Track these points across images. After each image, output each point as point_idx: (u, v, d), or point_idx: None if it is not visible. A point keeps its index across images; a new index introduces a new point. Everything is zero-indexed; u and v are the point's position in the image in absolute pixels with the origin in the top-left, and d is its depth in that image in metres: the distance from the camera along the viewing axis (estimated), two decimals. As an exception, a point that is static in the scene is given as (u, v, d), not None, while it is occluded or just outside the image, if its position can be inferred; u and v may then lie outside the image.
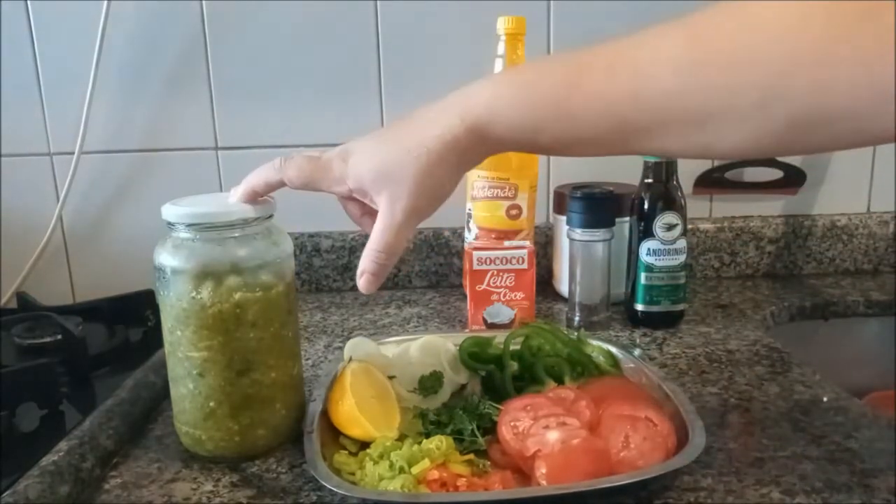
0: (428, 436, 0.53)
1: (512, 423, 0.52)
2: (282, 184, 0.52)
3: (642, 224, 0.76)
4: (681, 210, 0.75)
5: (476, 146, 0.46)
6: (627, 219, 0.79)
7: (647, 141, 0.42)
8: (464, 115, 0.45)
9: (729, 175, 0.95)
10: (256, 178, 0.52)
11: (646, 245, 0.76)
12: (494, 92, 0.45)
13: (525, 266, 0.74)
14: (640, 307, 0.78)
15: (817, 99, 0.36)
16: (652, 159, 0.75)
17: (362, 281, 0.51)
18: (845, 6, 0.34)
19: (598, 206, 0.75)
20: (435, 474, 0.48)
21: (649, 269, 0.76)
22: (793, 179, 0.95)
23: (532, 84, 0.44)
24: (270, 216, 0.54)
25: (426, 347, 0.63)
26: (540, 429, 0.50)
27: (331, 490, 0.46)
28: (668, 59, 0.40)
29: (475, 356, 0.63)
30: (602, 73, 0.41)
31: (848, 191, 0.97)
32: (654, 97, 0.40)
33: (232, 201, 0.52)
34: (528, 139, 0.45)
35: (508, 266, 0.74)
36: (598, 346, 0.65)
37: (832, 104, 0.35)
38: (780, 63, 0.36)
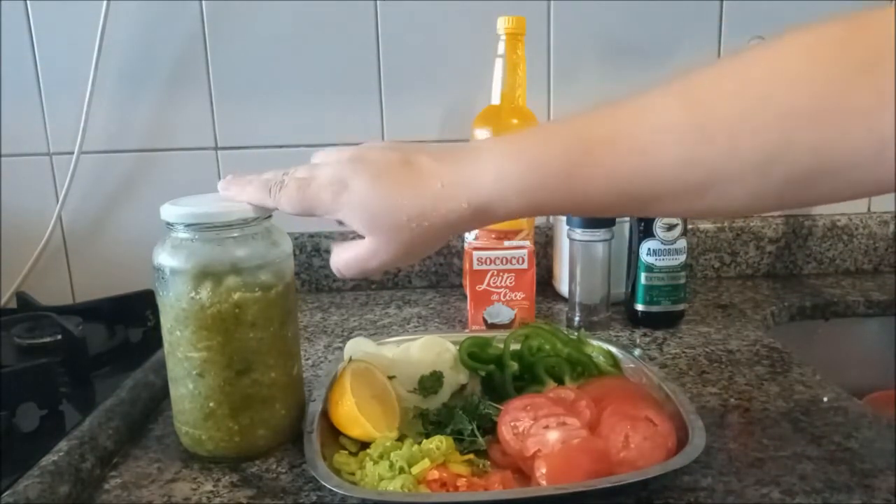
0: (428, 436, 0.53)
1: (512, 423, 0.52)
2: (274, 209, 0.51)
3: (642, 224, 0.76)
4: (681, 210, 0.75)
5: (479, 222, 0.47)
6: (627, 219, 0.79)
7: (650, 208, 0.42)
8: (471, 199, 0.45)
9: (729, 175, 0.95)
10: (250, 197, 0.51)
11: (646, 245, 0.76)
12: (498, 174, 0.44)
13: (525, 266, 0.74)
14: (640, 307, 0.78)
15: (817, 155, 0.36)
16: (652, 159, 0.75)
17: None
18: (842, 59, 0.35)
19: (598, 206, 0.75)
20: (435, 474, 0.48)
21: (649, 269, 0.76)
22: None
23: (536, 164, 0.43)
24: (270, 216, 0.54)
25: (426, 347, 0.63)
26: (540, 429, 0.50)
27: (331, 490, 0.46)
28: (668, 129, 0.39)
29: (475, 356, 0.63)
30: (605, 150, 0.41)
31: (848, 191, 0.97)
32: (657, 171, 0.40)
33: (222, 192, 0.52)
34: (533, 213, 0.46)
35: (508, 266, 0.74)
36: (598, 346, 0.65)
37: (832, 159, 0.35)
38: (779, 124, 0.36)
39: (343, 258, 0.49)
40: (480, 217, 0.45)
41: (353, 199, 0.46)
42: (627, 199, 0.42)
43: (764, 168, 0.37)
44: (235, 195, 0.52)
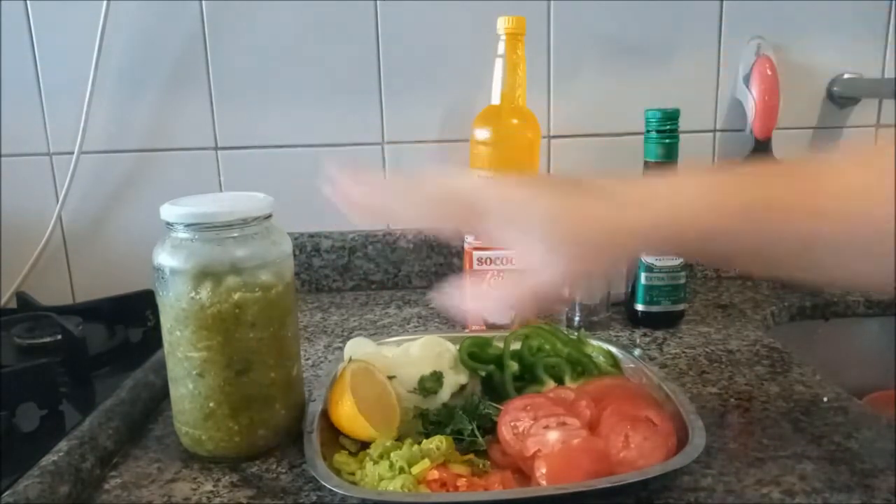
0: (428, 436, 0.53)
1: (512, 423, 0.52)
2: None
3: (642, 224, 0.76)
4: (681, 210, 0.75)
5: (651, 242, 0.46)
6: (627, 219, 0.79)
7: (823, 266, 0.42)
8: (656, 215, 0.44)
9: (729, 175, 0.95)
10: (385, 207, 0.50)
11: (646, 245, 0.76)
12: (676, 203, 0.43)
13: (525, 266, 0.74)
14: (640, 307, 0.78)
15: None
16: (652, 159, 0.75)
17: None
18: None
19: (598, 206, 0.75)
20: (435, 474, 0.48)
21: (649, 268, 0.76)
22: (793, 179, 0.95)
23: (715, 206, 0.42)
24: (269, 216, 0.54)
25: (426, 347, 0.63)
26: (540, 429, 0.50)
27: (331, 490, 0.46)
28: (856, 194, 0.39)
29: (475, 356, 0.63)
30: (785, 213, 0.41)
31: (848, 191, 0.97)
32: (840, 236, 0.39)
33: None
34: (700, 251, 0.47)
35: (508, 266, 0.74)
36: (598, 346, 0.65)
37: None
38: None
39: (523, 290, 0.47)
40: (653, 236, 0.44)
41: (538, 211, 0.45)
42: (800, 260, 0.42)
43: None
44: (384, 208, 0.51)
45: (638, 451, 0.49)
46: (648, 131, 0.75)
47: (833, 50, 0.92)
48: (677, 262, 0.76)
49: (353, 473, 0.50)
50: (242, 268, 0.51)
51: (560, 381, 0.60)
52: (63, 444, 0.52)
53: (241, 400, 0.52)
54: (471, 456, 0.52)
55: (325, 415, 0.55)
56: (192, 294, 0.50)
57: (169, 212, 0.51)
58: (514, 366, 0.61)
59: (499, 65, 0.82)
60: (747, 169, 0.44)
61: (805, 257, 0.41)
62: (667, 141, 0.74)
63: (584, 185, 0.46)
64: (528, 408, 0.52)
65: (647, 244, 0.45)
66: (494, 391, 0.60)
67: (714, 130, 0.95)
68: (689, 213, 0.43)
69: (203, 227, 0.51)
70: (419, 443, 0.51)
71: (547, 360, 0.61)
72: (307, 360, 0.72)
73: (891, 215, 0.37)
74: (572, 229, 0.44)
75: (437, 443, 0.51)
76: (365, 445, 0.53)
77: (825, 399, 0.61)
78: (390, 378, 0.59)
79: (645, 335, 0.77)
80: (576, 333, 0.67)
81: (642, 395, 0.56)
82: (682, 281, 0.77)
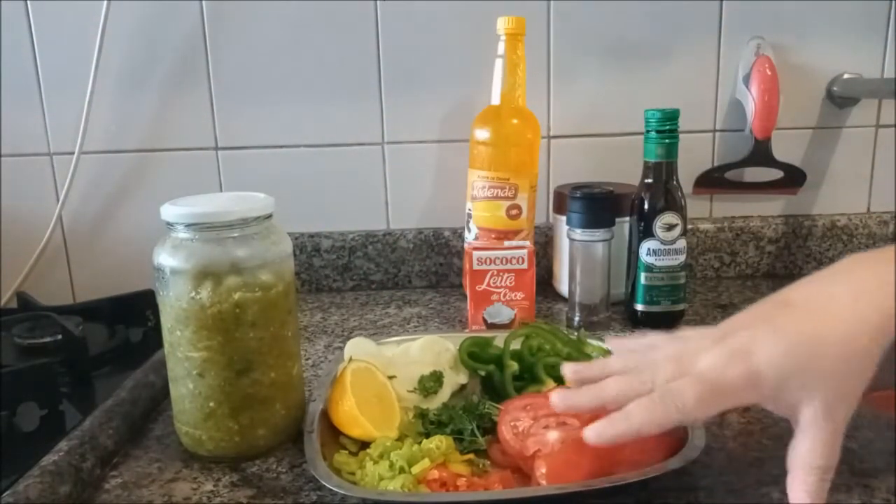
0: (428, 436, 0.53)
1: (512, 423, 0.52)
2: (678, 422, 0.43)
3: (642, 224, 0.76)
4: (681, 210, 0.75)
5: (884, 335, 0.42)
6: (627, 219, 0.79)
7: None
8: (879, 310, 0.41)
9: (729, 175, 0.95)
10: (654, 419, 0.42)
11: (646, 245, 0.76)
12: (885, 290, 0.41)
13: (525, 266, 0.74)
14: (640, 307, 0.78)
15: None
16: (652, 159, 0.75)
17: None
18: None
19: (598, 206, 0.75)
20: (435, 474, 0.48)
21: (649, 269, 0.76)
22: (793, 179, 0.95)
23: None
24: (269, 216, 0.54)
25: (426, 347, 0.63)
26: (540, 429, 0.50)
27: (331, 490, 0.46)
28: None
29: (475, 356, 0.63)
30: None
31: (848, 191, 0.97)
32: None
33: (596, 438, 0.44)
34: None
35: (508, 266, 0.74)
36: (598, 346, 0.65)
37: None
38: None
39: (811, 452, 0.42)
40: (886, 329, 0.41)
41: (772, 366, 0.41)
42: None
43: None
44: (633, 426, 0.43)
45: (638, 451, 0.49)
46: (648, 131, 0.75)
47: (833, 50, 0.92)
48: (677, 262, 0.76)
49: (353, 473, 0.50)
50: (243, 268, 0.51)
51: (560, 381, 0.60)
52: (63, 444, 0.52)
53: (241, 400, 0.52)
54: (471, 456, 0.52)
55: (325, 415, 0.55)
56: (193, 294, 0.50)
57: (169, 212, 0.51)
58: (514, 366, 0.61)
59: (499, 65, 0.82)
60: None
61: None
62: (667, 141, 0.74)
63: (785, 301, 0.43)
64: (528, 408, 0.52)
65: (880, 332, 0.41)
66: (494, 391, 0.60)
67: (714, 130, 0.95)
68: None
69: (203, 227, 0.51)
70: (419, 443, 0.51)
71: (547, 360, 0.61)
72: (307, 360, 0.72)
73: None
74: (814, 359, 0.41)
75: (437, 443, 0.51)
76: (365, 445, 0.53)
77: (825, 399, 0.61)
78: (390, 378, 0.59)
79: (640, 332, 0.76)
80: (576, 333, 0.67)
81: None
82: (682, 281, 0.77)
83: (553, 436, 0.49)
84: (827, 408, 0.41)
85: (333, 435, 0.54)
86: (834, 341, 0.41)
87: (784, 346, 0.41)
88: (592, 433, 0.43)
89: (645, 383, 0.44)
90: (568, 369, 0.50)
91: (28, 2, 0.89)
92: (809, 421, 0.41)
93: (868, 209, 0.98)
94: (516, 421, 0.52)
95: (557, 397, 0.47)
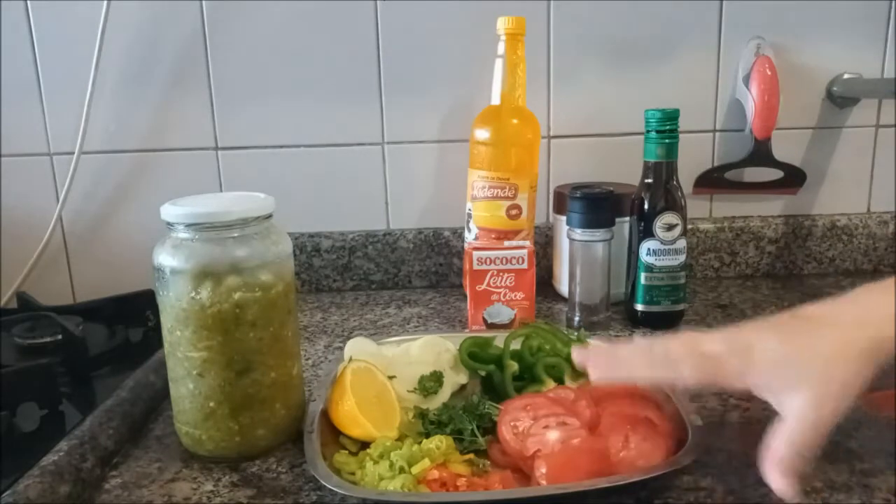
0: (428, 436, 0.53)
1: (512, 423, 0.52)
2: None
3: (642, 224, 0.76)
4: (681, 210, 0.75)
5: (880, 354, 0.45)
6: (627, 219, 0.79)
7: None
8: (876, 330, 0.44)
9: (729, 175, 0.95)
10: (652, 375, 0.50)
11: (646, 245, 0.76)
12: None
13: (525, 266, 0.74)
14: (640, 307, 0.78)
15: None
16: (652, 159, 0.75)
17: (787, 488, 0.44)
18: None
19: (597, 206, 0.75)
20: (435, 474, 0.48)
21: (649, 269, 0.76)
22: (793, 179, 0.95)
23: None
24: (269, 216, 0.54)
25: (426, 347, 0.63)
26: (540, 429, 0.50)
27: (331, 490, 0.46)
28: None
29: (475, 356, 0.63)
30: None
31: (848, 191, 0.97)
32: None
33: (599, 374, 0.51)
34: None
35: (508, 266, 0.74)
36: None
37: None
38: None
39: (790, 436, 0.44)
40: (880, 348, 0.44)
41: (767, 356, 0.45)
42: None
43: None
44: (630, 375, 0.51)
45: (638, 451, 0.49)
46: (648, 131, 0.75)
47: (833, 50, 0.92)
48: (677, 262, 0.76)
49: (353, 473, 0.50)
50: (243, 268, 0.51)
51: (560, 381, 0.60)
52: (63, 444, 0.52)
53: (241, 400, 0.52)
54: (471, 456, 0.52)
55: (325, 415, 0.55)
56: (193, 294, 0.50)
57: (169, 212, 0.51)
58: (514, 366, 0.61)
59: (499, 65, 0.82)
60: None
61: None
62: (667, 141, 0.74)
63: (797, 315, 0.47)
64: (528, 408, 0.52)
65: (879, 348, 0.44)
66: (494, 391, 0.60)
67: (714, 130, 0.95)
68: None
69: (203, 227, 0.51)
70: (419, 443, 0.51)
71: (547, 360, 0.61)
72: (307, 360, 0.72)
73: None
74: (804, 364, 0.44)
75: (437, 443, 0.51)
76: (365, 445, 0.53)
77: (825, 399, 0.61)
78: (390, 378, 0.59)
79: (645, 335, 0.77)
80: (576, 333, 0.67)
81: (642, 395, 0.56)
82: (682, 281, 0.77)
83: (553, 436, 0.49)
84: (814, 400, 0.44)
85: (333, 435, 0.54)
86: (830, 342, 0.44)
87: (782, 338, 0.46)
88: (594, 372, 0.51)
89: (654, 352, 0.49)
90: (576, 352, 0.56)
91: (28, 2, 0.89)
92: (795, 408, 0.44)
93: (868, 209, 0.98)
94: (516, 421, 0.52)
95: (577, 353, 0.55)
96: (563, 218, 0.80)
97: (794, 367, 0.44)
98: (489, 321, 0.76)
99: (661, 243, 0.75)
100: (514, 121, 0.83)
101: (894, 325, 0.44)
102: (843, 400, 0.44)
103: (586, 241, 0.76)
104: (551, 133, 0.94)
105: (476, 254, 0.74)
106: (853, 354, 0.44)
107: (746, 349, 0.46)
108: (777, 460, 0.44)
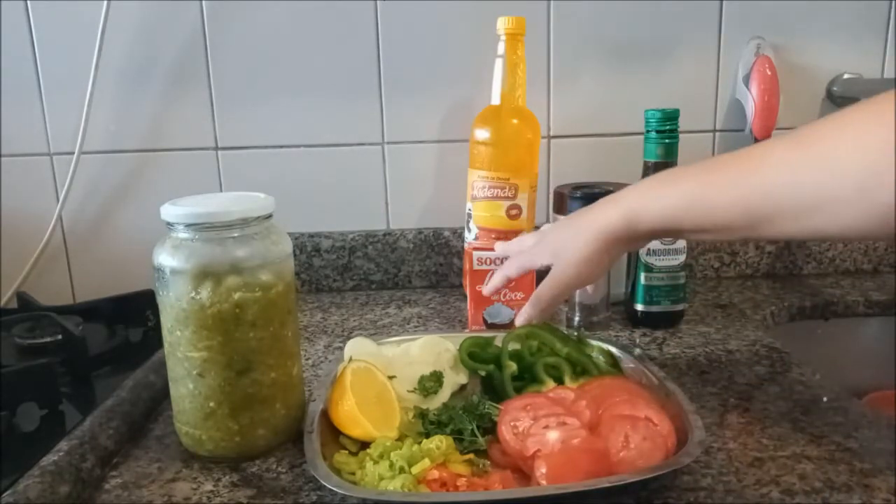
0: (428, 436, 0.53)
1: (512, 423, 0.52)
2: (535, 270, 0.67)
3: (642, 224, 0.76)
4: (681, 210, 0.75)
5: (625, 233, 0.56)
6: (627, 219, 0.79)
7: (769, 227, 0.48)
8: (618, 205, 0.57)
9: (729, 175, 0.95)
10: (510, 270, 0.66)
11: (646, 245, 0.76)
12: (642, 191, 0.57)
13: (525, 266, 0.74)
14: (639, 307, 0.78)
15: None
16: (652, 159, 0.75)
17: (522, 316, 0.64)
18: None
19: (598, 206, 0.75)
20: (435, 474, 0.48)
21: (649, 268, 0.76)
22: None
23: (673, 182, 0.55)
24: (269, 216, 0.54)
25: (426, 347, 0.63)
26: (540, 429, 0.50)
27: (331, 490, 0.46)
28: (780, 159, 0.47)
29: (475, 356, 0.63)
30: (730, 170, 0.50)
31: (848, 191, 0.97)
32: (773, 188, 0.47)
33: (486, 292, 0.69)
34: (671, 227, 0.54)
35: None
36: (598, 346, 0.65)
37: None
38: (868, 166, 0.42)
39: (541, 289, 0.63)
40: (626, 226, 0.56)
41: (547, 237, 0.64)
42: (749, 215, 0.49)
43: (861, 195, 0.42)
44: (505, 273, 0.66)
45: (638, 451, 0.49)
46: (648, 131, 0.75)
47: (833, 50, 0.92)
48: (677, 261, 0.76)
49: (353, 473, 0.50)
50: (243, 268, 0.51)
51: (560, 381, 0.60)
52: (63, 444, 0.52)
53: (241, 400, 0.52)
54: (471, 456, 0.52)
55: (325, 415, 0.55)
56: (193, 294, 0.50)
57: (169, 212, 0.51)
58: (512, 366, 0.61)
59: (499, 65, 0.82)
60: (682, 166, 0.57)
61: (752, 213, 0.49)
62: (667, 141, 0.74)
63: (585, 209, 0.62)
64: (528, 408, 0.52)
65: (619, 226, 0.57)
66: (494, 391, 0.60)
67: (714, 130, 0.95)
68: (653, 194, 0.56)
69: (203, 227, 0.51)
70: (419, 443, 0.51)
71: (547, 360, 0.61)
72: (307, 360, 0.72)
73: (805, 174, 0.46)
74: (559, 240, 0.62)
75: (437, 443, 0.51)
76: (365, 445, 0.53)
77: (825, 399, 0.61)
78: (390, 378, 0.59)
79: (645, 335, 0.77)
80: (576, 333, 0.67)
81: (642, 395, 0.56)
82: (682, 281, 0.77)
83: (553, 436, 0.49)
84: (559, 266, 0.61)
85: (333, 435, 0.54)
86: (578, 223, 0.60)
87: (562, 224, 0.65)
88: (486, 288, 0.70)
89: (517, 244, 0.69)
90: (498, 245, 0.73)
91: (28, 2, 0.89)
92: (552, 271, 0.61)
93: (868, 209, 0.98)
94: (516, 421, 0.52)
95: (499, 245, 0.73)
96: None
97: (552, 244, 0.62)
98: (489, 321, 0.76)
99: (661, 243, 0.75)
100: (514, 121, 0.83)
101: (615, 205, 0.57)
102: (581, 266, 0.59)
103: (586, 241, 0.76)
104: (551, 133, 0.94)
105: (476, 254, 0.74)
106: (584, 232, 0.58)
107: (543, 234, 0.66)
108: (532, 297, 0.63)
